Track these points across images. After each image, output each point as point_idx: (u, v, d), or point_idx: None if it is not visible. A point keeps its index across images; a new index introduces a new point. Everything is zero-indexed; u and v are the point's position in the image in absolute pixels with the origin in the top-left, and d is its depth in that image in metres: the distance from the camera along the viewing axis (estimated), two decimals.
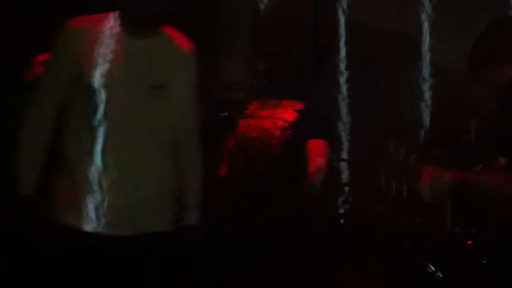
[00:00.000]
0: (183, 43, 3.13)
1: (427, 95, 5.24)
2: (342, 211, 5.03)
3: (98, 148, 2.96)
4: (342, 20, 5.40)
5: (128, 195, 3.00)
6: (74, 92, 2.98)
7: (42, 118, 3.02)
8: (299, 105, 4.00)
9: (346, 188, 5.18)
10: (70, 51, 2.95)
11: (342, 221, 4.81)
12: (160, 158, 3.06)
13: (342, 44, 5.42)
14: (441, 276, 3.83)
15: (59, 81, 2.99)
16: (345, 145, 5.45)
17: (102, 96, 2.94)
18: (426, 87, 5.22)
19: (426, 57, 5.23)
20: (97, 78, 2.94)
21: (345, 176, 5.40)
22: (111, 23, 3.02)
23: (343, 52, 5.42)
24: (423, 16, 5.20)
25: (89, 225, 2.97)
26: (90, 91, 2.94)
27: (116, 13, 3.03)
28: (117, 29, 3.01)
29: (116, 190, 2.98)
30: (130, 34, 3.01)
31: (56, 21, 2.97)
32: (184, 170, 3.15)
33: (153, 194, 3.05)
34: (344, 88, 5.39)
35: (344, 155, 5.49)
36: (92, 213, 2.96)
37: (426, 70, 5.23)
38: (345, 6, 5.43)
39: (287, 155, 3.90)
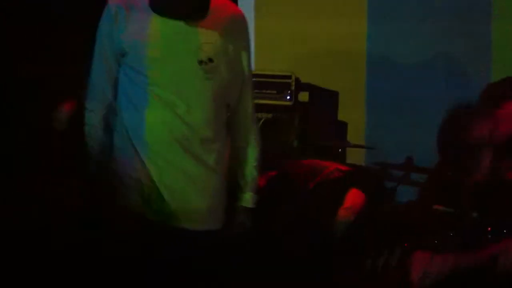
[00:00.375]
0: (231, 10, 2.85)
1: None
2: None
3: (151, 132, 2.75)
4: None
5: (189, 184, 2.80)
6: (123, 74, 2.81)
7: (100, 107, 2.85)
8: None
9: None
10: (112, 32, 2.79)
11: None
12: (218, 141, 2.85)
13: None
14: None
15: (108, 65, 2.82)
16: None
17: (148, 75, 2.75)
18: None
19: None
20: (141, 56, 2.74)
21: None
22: None
23: None
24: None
25: (150, 214, 2.76)
26: (136, 71, 2.76)
27: None
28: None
29: (174, 178, 2.78)
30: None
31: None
32: (240, 151, 2.97)
33: (216, 182, 2.87)
34: None
35: None
36: (151, 201, 2.78)
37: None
38: None
39: (328, 191, 3.89)
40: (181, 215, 2.80)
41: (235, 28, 2.84)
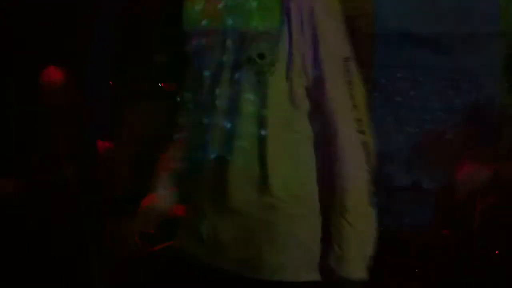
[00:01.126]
0: None
1: None
2: None
3: (201, 153, 2.08)
4: None
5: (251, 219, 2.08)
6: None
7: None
8: None
9: None
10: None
11: None
12: (289, 164, 2.04)
13: None
14: None
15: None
16: None
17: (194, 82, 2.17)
18: None
19: None
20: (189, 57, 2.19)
21: None
22: None
23: None
24: None
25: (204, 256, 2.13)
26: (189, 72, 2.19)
27: None
28: None
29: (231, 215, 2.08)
30: None
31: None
32: (334, 190, 2.04)
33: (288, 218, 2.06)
34: None
35: None
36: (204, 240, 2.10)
37: None
38: None
39: None
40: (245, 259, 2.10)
41: (305, 9, 2.03)
